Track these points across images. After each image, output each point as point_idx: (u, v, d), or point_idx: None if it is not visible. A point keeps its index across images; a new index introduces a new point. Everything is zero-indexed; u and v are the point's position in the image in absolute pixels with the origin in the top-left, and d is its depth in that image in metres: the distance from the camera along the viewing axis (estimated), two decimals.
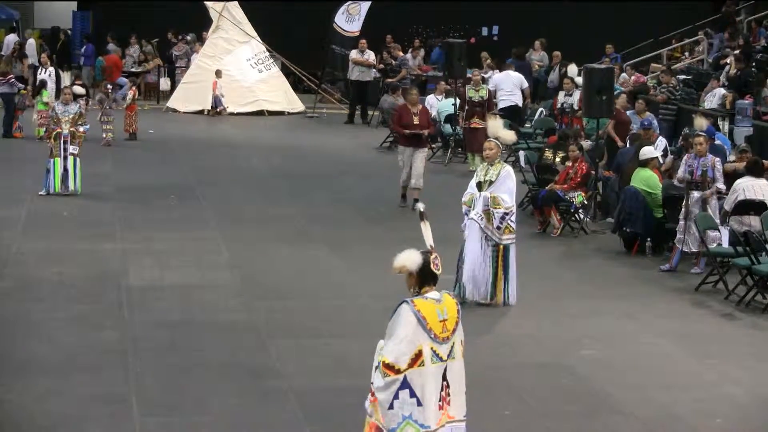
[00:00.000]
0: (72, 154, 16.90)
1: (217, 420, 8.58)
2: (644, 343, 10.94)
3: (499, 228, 11.70)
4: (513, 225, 11.88)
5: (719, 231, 13.11)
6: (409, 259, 6.51)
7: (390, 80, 27.06)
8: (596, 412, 9.04)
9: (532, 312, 11.74)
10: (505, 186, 11.72)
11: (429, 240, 6.62)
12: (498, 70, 28.97)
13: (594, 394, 9.43)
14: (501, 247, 11.77)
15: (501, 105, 23.75)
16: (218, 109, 26.98)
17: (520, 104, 23.77)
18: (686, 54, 27.91)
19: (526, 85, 23.99)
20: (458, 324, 6.63)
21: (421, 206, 6.89)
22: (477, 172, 11.96)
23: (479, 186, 11.74)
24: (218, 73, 26.93)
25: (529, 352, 10.52)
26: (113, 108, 23.02)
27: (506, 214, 11.72)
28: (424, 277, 6.55)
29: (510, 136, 12.29)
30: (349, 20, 27.53)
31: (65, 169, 16.84)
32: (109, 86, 24.92)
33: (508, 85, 23.66)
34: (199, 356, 9.99)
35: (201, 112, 27.11)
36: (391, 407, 6.46)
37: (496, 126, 12.04)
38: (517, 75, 24.19)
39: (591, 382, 9.70)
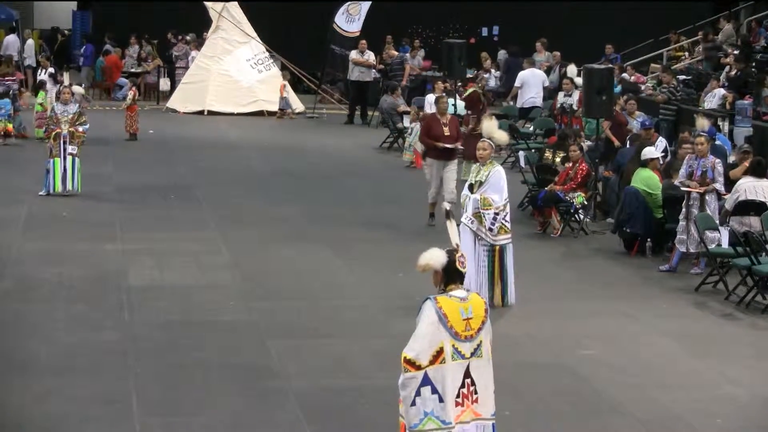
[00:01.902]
0: (71, 154, 16.89)
1: (217, 420, 8.58)
2: (644, 343, 10.93)
3: (491, 229, 11.61)
4: (508, 224, 11.74)
5: (719, 231, 13.11)
6: (434, 257, 6.54)
7: (397, 82, 26.79)
8: (596, 412, 9.04)
9: (532, 312, 11.73)
10: (495, 186, 11.61)
11: (455, 238, 6.64)
12: (496, 70, 29.21)
13: (594, 394, 9.43)
14: (497, 248, 11.68)
15: (527, 105, 23.87)
16: (286, 111, 27.11)
17: (541, 104, 23.89)
18: (686, 54, 27.92)
19: (548, 82, 24.16)
20: (485, 323, 6.63)
21: (447, 205, 6.93)
22: (470, 174, 11.90)
23: (471, 188, 11.69)
24: (285, 76, 27.06)
25: (529, 352, 10.53)
26: (86, 107, 22.99)
27: (497, 214, 11.61)
28: (450, 275, 6.57)
29: (504, 137, 12.23)
30: (349, 20, 27.53)
31: (65, 169, 16.83)
32: (83, 85, 24.92)
33: (535, 85, 23.80)
34: (199, 356, 9.99)
35: (201, 112, 27.11)
36: (413, 404, 6.48)
37: (491, 126, 11.98)
38: (541, 72, 24.32)
39: (591, 382, 9.70)
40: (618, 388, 9.55)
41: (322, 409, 8.82)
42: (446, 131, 15.32)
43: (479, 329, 6.60)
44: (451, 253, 6.56)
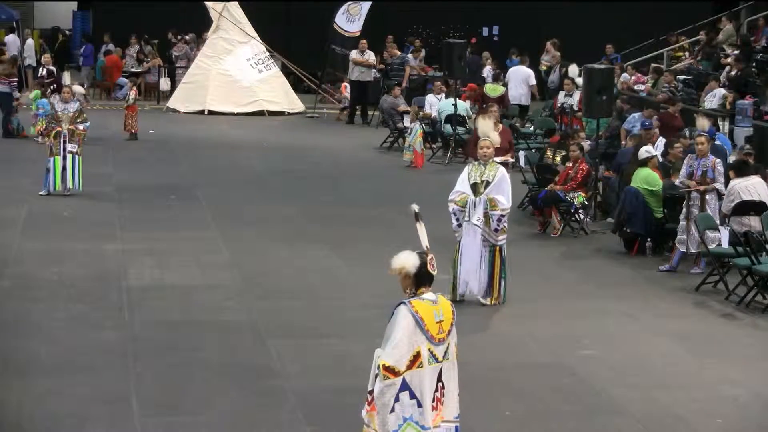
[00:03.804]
0: (71, 152, 16.89)
1: (217, 420, 8.58)
2: (644, 343, 10.94)
3: (496, 230, 11.63)
4: (506, 225, 11.81)
5: (719, 231, 13.11)
6: (408, 260, 6.52)
7: (397, 83, 26.81)
8: (596, 412, 9.04)
9: (532, 312, 11.74)
10: (502, 187, 11.62)
11: (424, 241, 6.63)
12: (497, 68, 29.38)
13: (594, 394, 9.42)
14: (497, 248, 11.72)
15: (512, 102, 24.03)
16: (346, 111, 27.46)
17: (526, 102, 24.03)
18: (686, 54, 27.92)
19: (533, 81, 24.28)
20: (453, 326, 6.64)
21: (415, 207, 6.86)
22: (470, 173, 11.74)
23: (475, 187, 11.65)
24: (345, 78, 27.43)
25: (529, 352, 10.53)
26: (87, 107, 22.99)
27: (502, 215, 11.65)
28: (421, 278, 6.55)
29: (497, 138, 12.19)
30: (349, 20, 27.53)
31: (64, 168, 16.81)
32: (84, 84, 24.99)
33: (515, 81, 23.95)
34: (199, 356, 9.99)
35: (201, 112, 27.12)
36: (392, 410, 6.46)
37: (487, 126, 11.97)
38: (526, 70, 24.40)
39: (591, 382, 9.70)
40: (618, 388, 9.54)
41: (322, 409, 8.82)
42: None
43: (449, 332, 6.61)
44: (423, 256, 6.55)
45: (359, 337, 10.58)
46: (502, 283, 11.77)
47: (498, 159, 13.55)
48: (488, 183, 11.59)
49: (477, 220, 11.55)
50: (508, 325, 11.27)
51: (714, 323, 11.79)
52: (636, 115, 19.17)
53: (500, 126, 14.82)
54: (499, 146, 13.74)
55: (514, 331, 11.08)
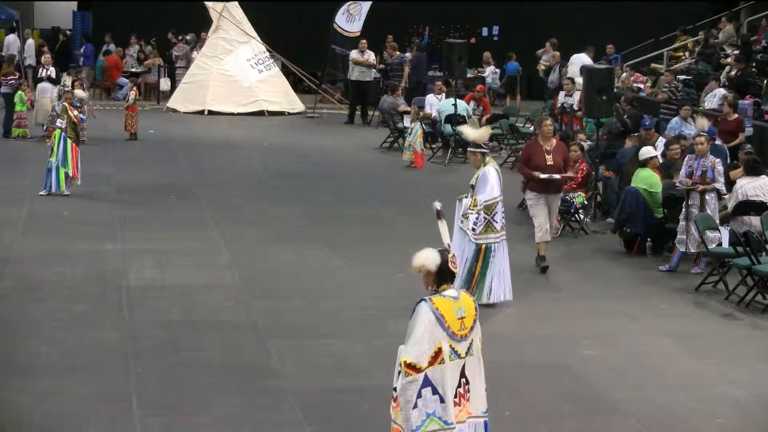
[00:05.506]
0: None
1: (217, 420, 8.58)
2: (644, 343, 10.94)
3: (473, 229, 11.62)
4: (496, 224, 11.67)
5: (719, 231, 13.11)
6: (429, 258, 6.56)
7: (397, 82, 26.81)
8: (596, 412, 9.04)
9: (532, 312, 11.74)
10: (481, 187, 11.66)
11: (446, 239, 6.67)
12: (497, 68, 29.50)
13: (594, 394, 9.43)
14: (483, 246, 11.67)
15: None
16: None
17: None
18: (686, 54, 27.91)
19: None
20: (476, 321, 6.67)
21: (438, 205, 6.92)
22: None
23: (471, 189, 11.79)
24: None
25: (529, 352, 10.53)
26: (91, 109, 23.02)
27: (478, 214, 11.63)
28: (443, 276, 6.59)
29: (479, 132, 11.92)
30: (349, 20, 27.53)
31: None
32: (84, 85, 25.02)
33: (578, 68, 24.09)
34: (199, 356, 9.99)
35: (201, 112, 27.12)
36: (415, 406, 6.49)
37: (466, 131, 11.99)
38: (587, 58, 24.48)
39: (591, 382, 9.70)
40: (618, 388, 9.55)
41: (322, 409, 8.82)
42: (549, 160, 13.16)
43: (471, 327, 6.64)
44: (444, 253, 6.58)
45: (359, 337, 10.59)
46: (481, 283, 11.63)
47: (556, 175, 13.17)
48: (473, 186, 11.71)
49: (456, 218, 11.66)
50: (508, 325, 11.27)
51: (714, 323, 11.79)
52: (675, 119, 19.04)
53: (554, 141, 13.47)
54: (552, 163, 13.16)
55: (514, 331, 11.08)
